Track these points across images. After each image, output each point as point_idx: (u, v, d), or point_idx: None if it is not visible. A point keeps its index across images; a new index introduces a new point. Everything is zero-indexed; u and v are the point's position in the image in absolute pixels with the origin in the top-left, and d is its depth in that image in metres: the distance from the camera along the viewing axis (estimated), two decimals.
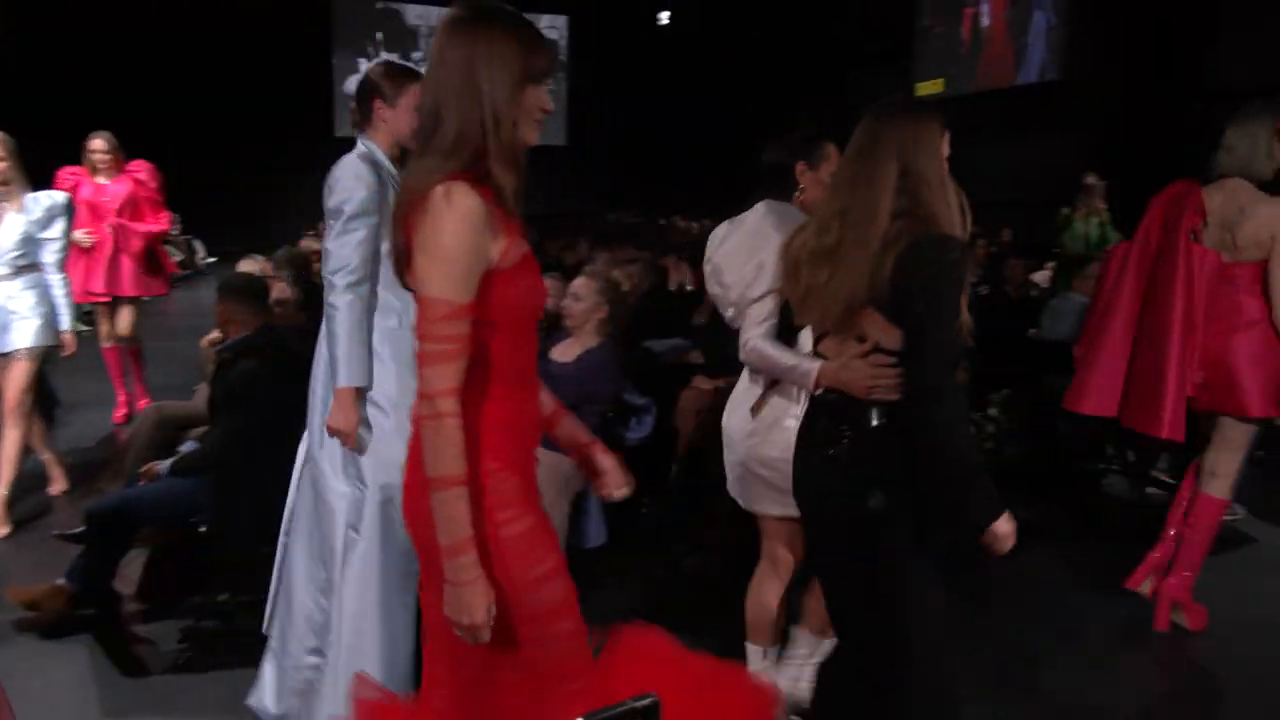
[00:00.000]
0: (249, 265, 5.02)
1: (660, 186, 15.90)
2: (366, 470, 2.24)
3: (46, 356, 3.89)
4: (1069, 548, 3.87)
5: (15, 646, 2.85)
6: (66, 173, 5.05)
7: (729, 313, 2.39)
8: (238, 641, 2.93)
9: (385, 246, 2.21)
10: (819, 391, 1.89)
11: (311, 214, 12.56)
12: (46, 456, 4.21)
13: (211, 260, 14.56)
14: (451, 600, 1.36)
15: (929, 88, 14.48)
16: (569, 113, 18.77)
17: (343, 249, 2.20)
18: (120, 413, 5.40)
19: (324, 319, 2.25)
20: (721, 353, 4.60)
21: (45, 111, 10.82)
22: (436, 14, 18.27)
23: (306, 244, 6.89)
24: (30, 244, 3.80)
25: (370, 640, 2.24)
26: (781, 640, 2.49)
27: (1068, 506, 4.32)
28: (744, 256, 2.26)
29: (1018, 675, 2.81)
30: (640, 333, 4.59)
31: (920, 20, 14.60)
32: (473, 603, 1.34)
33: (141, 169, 5.31)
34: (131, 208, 5.18)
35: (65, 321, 3.93)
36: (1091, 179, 6.99)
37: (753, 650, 2.44)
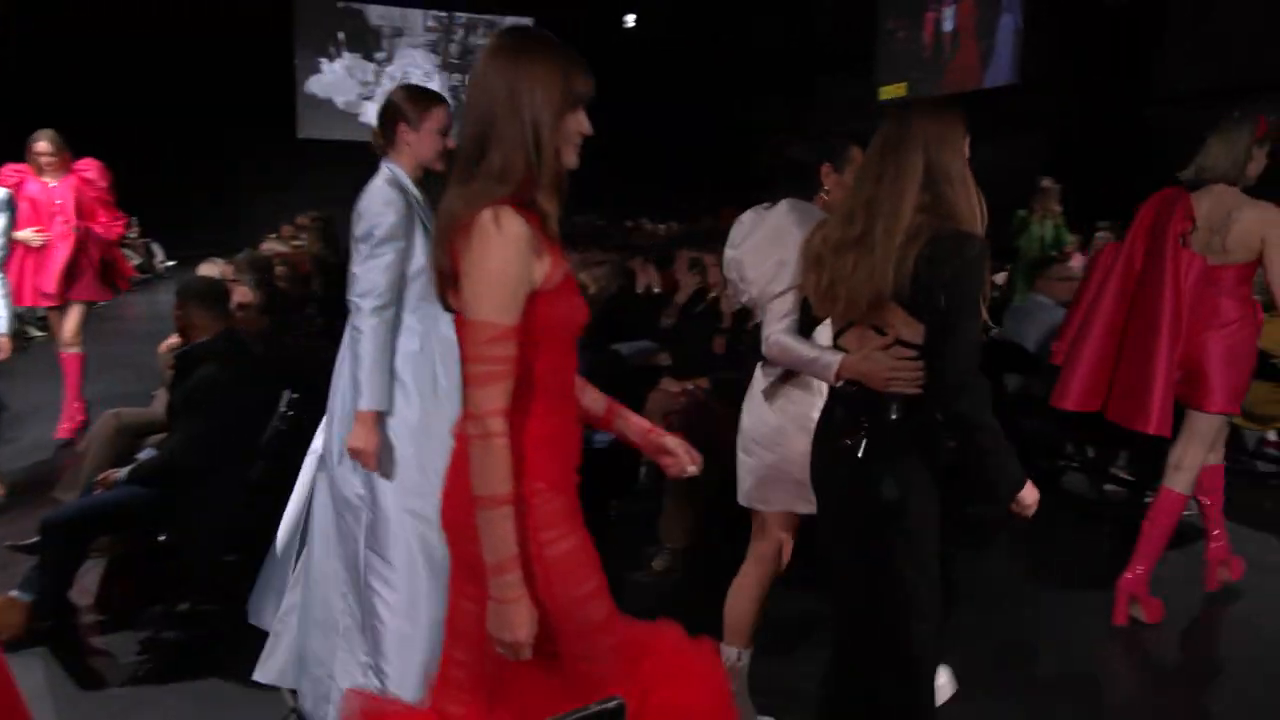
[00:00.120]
0: (209, 269, 4.93)
1: (627, 189, 15.93)
2: (385, 495, 2.27)
3: None
4: (1029, 543, 3.93)
5: None
6: (10, 169, 4.92)
7: (743, 299, 2.46)
8: (199, 652, 2.88)
9: (412, 269, 2.28)
10: (839, 383, 1.93)
11: (274, 216, 12.43)
12: None
13: (170, 264, 14.29)
14: (495, 617, 1.38)
15: (892, 91, 14.66)
16: None
17: (370, 273, 2.24)
18: (76, 420, 5.28)
19: (348, 340, 2.30)
20: (689, 354, 4.63)
21: None
22: (399, 14, 18.15)
23: (269, 247, 6.79)
24: None
25: (418, 657, 2.25)
26: (754, 643, 2.51)
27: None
28: (766, 253, 2.30)
29: (981, 668, 2.85)
30: (608, 335, 4.59)
31: (883, 24, 14.78)
32: (516, 620, 1.37)
33: (90, 168, 5.18)
34: (82, 208, 5.05)
35: (1, 324, 3.83)
36: (1047, 182, 7.13)
37: (727, 651, 2.45)
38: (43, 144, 4.96)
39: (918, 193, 1.79)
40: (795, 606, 2.67)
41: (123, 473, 3.00)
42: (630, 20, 17.76)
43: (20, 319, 6.58)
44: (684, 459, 1.71)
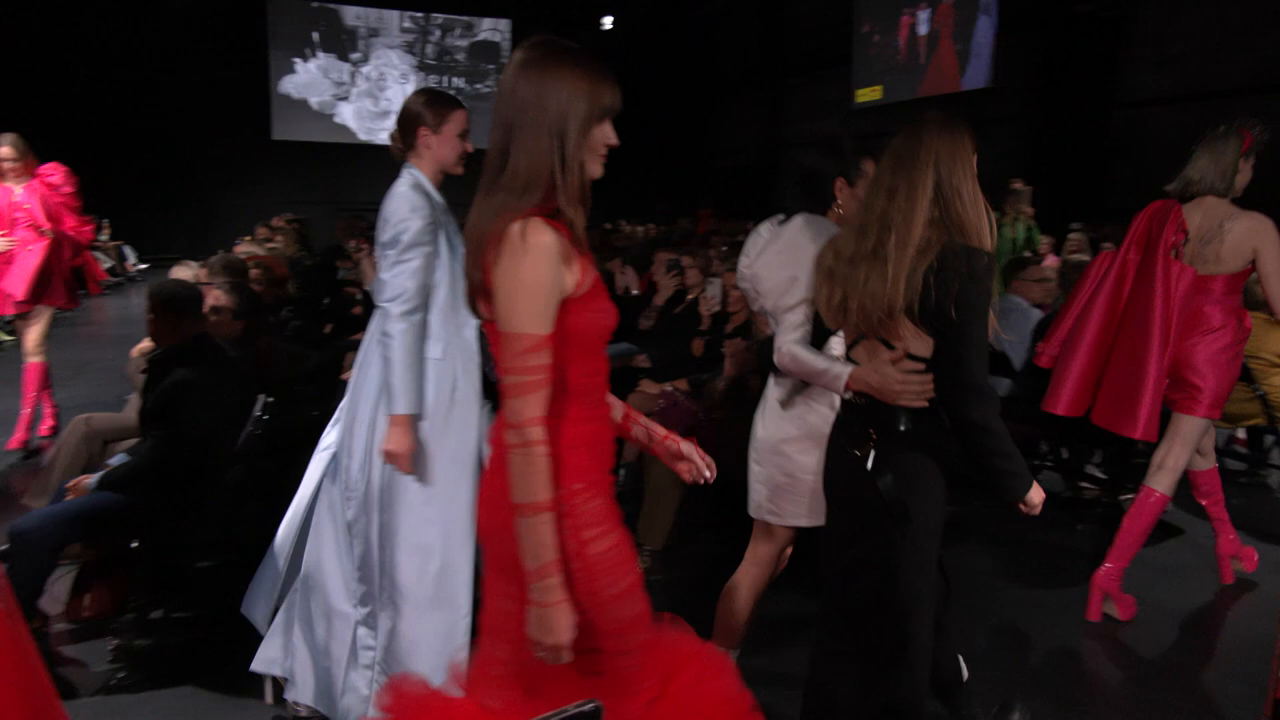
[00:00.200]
0: (182, 272, 4.88)
1: (604, 191, 15.91)
2: (401, 494, 2.31)
3: None
4: (1003, 542, 3.98)
5: None
6: None
7: (756, 309, 2.52)
8: (173, 660, 2.84)
9: (435, 275, 2.32)
10: (849, 395, 1.98)
11: (248, 218, 12.32)
12: None
13: (142, 267, 14.11)
14: (536, 621, 1.41)
15: (867, 94, 14.77)
16: None
17: (398, 278, 2.27)
18: (46, 425, 5.20)
19: (376, 344, 2.33)
20: (668, 356, 4.64)
21: None
22: (375, 15, 18.04)
23: (243, 249, 6.72)
24: None
25: (428, 656, 2.31)
26: (741, 646, 2.53)
27: (1002, 502, 4.42)
28: (779, 267, 2.34)
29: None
30: None
31: (858, 28, 14.89)
32: (557, 624, 1.40)
33: (55, 172, 5.10)
34: (48, 214, 4.96)
35: None
36: (1019, 184, 7.22)
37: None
38: (5, 149, 4.87)
39: (928, 207, 1.84)
40: (780, 607, 2.68)
41: (94, 479, 2.96)
42: (608, 22, 17.77)
43: None
44: (699, 465, 1.76)
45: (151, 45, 15.37)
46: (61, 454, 3.61)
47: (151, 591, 3.04)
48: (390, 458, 2.26)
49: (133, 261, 14.06)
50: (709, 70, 17.63)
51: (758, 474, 2.45)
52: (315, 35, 17.70)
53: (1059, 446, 4.64)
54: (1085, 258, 6.56)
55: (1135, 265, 3.09)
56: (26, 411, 5.02)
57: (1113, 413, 3.06)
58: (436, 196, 2.38)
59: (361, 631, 2.41)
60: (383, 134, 18.49)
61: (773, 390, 2.43)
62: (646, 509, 3.60)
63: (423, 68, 18.57)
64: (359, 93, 18.14)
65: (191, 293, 3.16)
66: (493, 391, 1.92)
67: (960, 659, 2.50)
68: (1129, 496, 4.40)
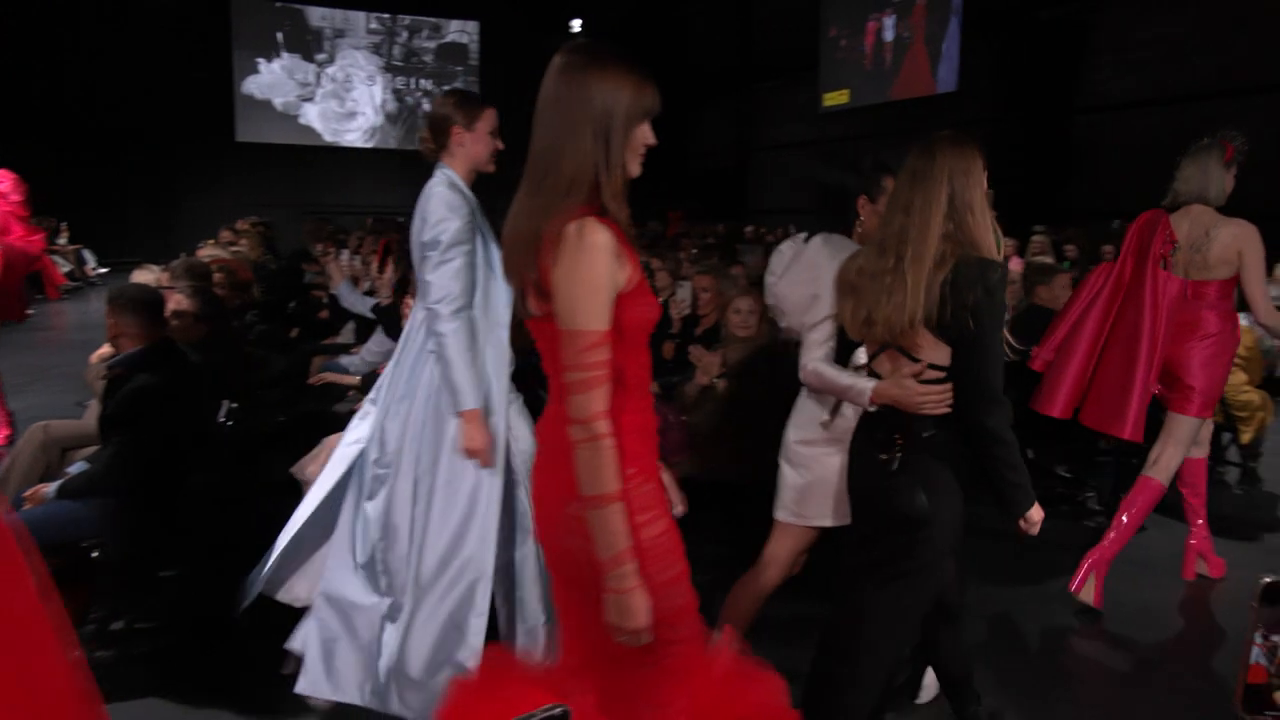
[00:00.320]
0: (144, 276, 4.79)
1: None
2: (435, 483, 2.40)
3: None
4: (970, 539, 4.02)
5: None
6: None
7: (782, 324, 2.64)
8: (134, 672, 2.79)
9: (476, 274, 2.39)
10: (874, 408, 2.07)
11: (211, 221, 12.13)
12: None
13: (102, 271, 13.83)
14: (615, 608, 1.45)
15: (835, 98, 14.91)
16: None
17: (443, 278, 2.31)
18: (1, 433, 5.07)
19: (433, 346, 2.38)
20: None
21: None
22: (341, 16, 17.87)
23: (206, 253, 6.61)
24: None
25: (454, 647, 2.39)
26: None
27: (967, 501, 4.48)
28: (799, 287, 2.43)
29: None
30: None
31: (825, 33, 15.02)
32: (636, 608, 1.44)
33: (3, 180, 4.96)
34: None
35: None
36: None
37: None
38: None
39: (942, 222, 1.93)
40: (787, 606, 2.71)
41: (52, 488, 2.89)
42: (576, 25, 17.77)
43: None
44: (674, 498, 1.78)
45: (111, 43, 15.10)
46: (18, 463, 3.52)
47: (113, 602, 2.97)
48: (471, 454, 2.33)
49: (92, 265, 13.78)
50: (679, 74, 17.68)
51: (788, 476, 2.51)
52: (279, 35, 17.49)
53: (1025, 447, 4.71)
54: (1048, 259, 6.67)
55: (1129, 275, 3.26)
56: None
57: (1102, 414, 3.20)
58: (470, 195, 2.42)
59: (383, 622, 2.45)
60: (349, 135, 18.38)
61: (804, 397, 2.50)
62: None
63: (390, 69, 18.43)
64: (324, 94, 17.96)
65: (152, 297, 3.11)
66: (530, 387, 1.95)
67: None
68: (1090, 495, 4.49)
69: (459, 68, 18.77)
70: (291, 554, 2.65)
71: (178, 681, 2.71)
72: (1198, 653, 3.16)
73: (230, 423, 3.17)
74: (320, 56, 17.92)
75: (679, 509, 1.80)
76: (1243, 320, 3.53)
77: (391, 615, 2.45)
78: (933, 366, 1.95)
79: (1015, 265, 6.39)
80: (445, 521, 2.39)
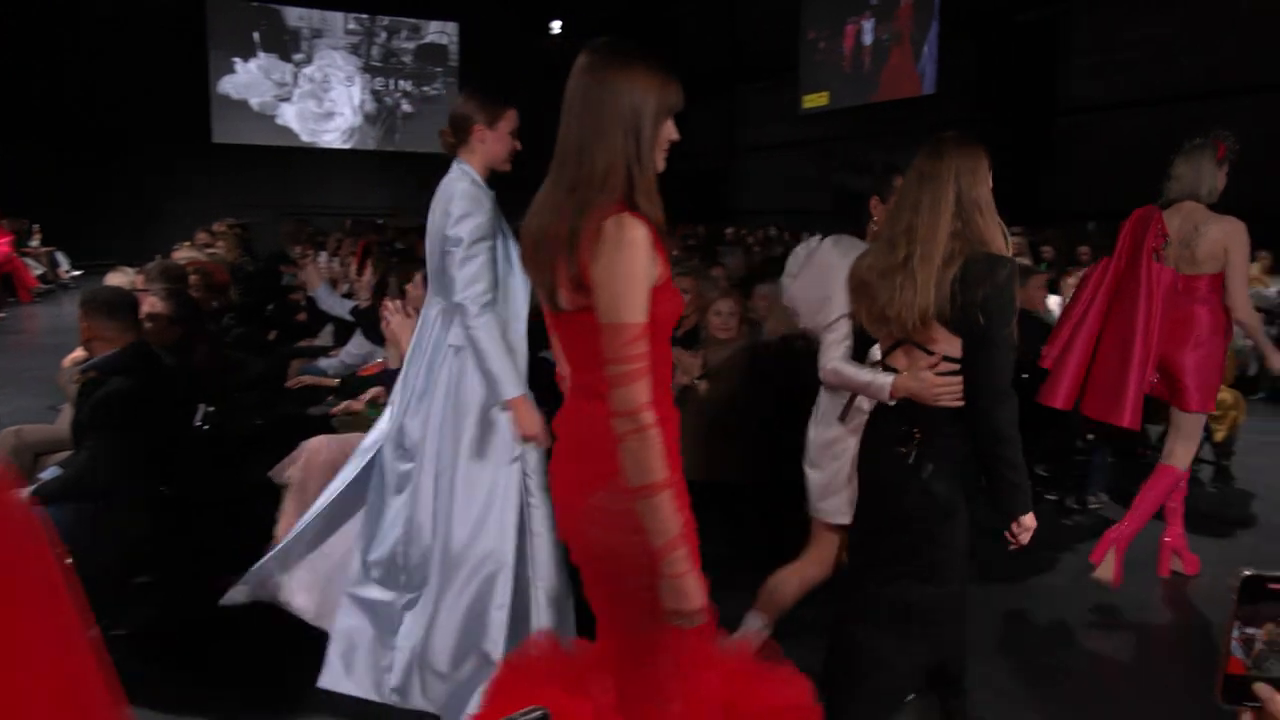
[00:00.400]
0: (117, 278, 4.73)
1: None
2: (461, 475, 2.45)
3: None
4: None
5: None
6: None
7: (800, 325, 2.68)
8: (108, 680, 2.75)
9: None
10: (893, 402, 2.11)
11: (187, 223, 12.01)
12: None
13: (76, 274, 13.64)
14: (671, 592, 1.47)
15: (814, 100, 14.98)
16: None
17: (470, 272, 2.35)
18: None
19: (454, 340, 2.43)
20: None
21: None
22: (319, 16, 17.75)
23: (182, 255, 6.53)
24: None
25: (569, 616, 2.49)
26: (774, 626, 2.66)
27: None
28: (811, 289, 2.49)
29: None
30: (535, 343, 4.56)
31: (804, 35, 15.08)
32: (691, 590, 1.47)
33: None
34: None
35: None
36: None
37: (754, 619, 2.63)
38: None
39: (950, 220, 1.97)
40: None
41: (24, 493, 2.85)
42: (556, 27, 17.75)
43: None
44: None
45: (84, 42, 14.91)
46: None
47: (86, 609, 2.93)
48: (529, 440, 2.35)
49: (65, 268, 13.58)
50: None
51: (811, 475, 2.57)
52: (256, 35, 17.35)
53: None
54: (1025, 261, 6.73)
55: (1123, 269, 3.35)
56: None
57: (1102, 405, 3.31)
58: (490, 191, 2.45)
59: (404, 616, 2.48)
60: (327, 136, 18.25)
61: (824, 398, 2.56)
62: None
63: (368, 70, 18.32)
64: (302, 94, 17.82)
65: (126, 300, 3.07)
66: (549, 380, 2.01)
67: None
68: (1055, 496, 4.53)
69: (438, 69, 18.69)
70: (293, 550, 2.66)
71: (152, 689, 2.68)
72: (1177, 646, 3.21)
73: (206, 426, 3.14)
74: (298, 56, 17.78)
75: None
76: None
77: (409, 608, 2.49)
78: (948, 359, 2.00)
79: None
80: (465, 515, 2.43)
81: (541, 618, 2.46)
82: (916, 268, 1.96)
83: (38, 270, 12.23)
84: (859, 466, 2.22)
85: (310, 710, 2.54)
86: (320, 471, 3.06)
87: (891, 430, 2.09)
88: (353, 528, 2.66)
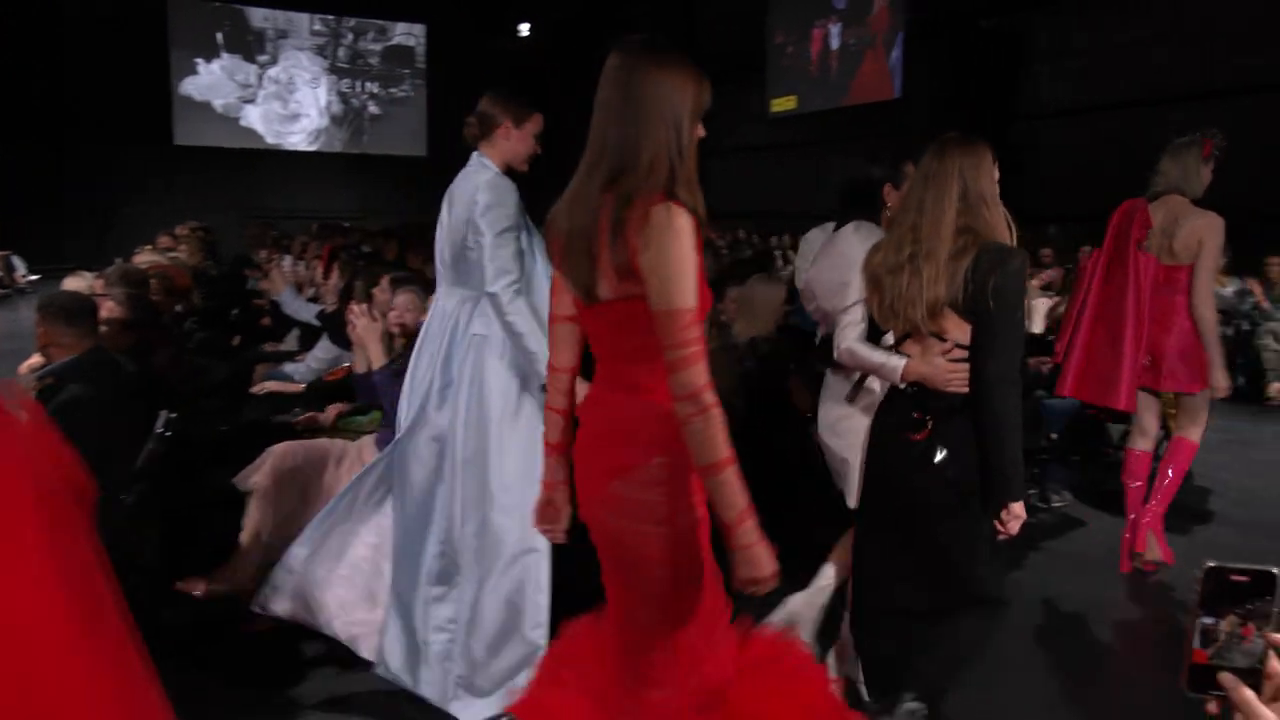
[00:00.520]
0: (75, 282, 4.63)
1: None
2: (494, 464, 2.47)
3: None
4: None
5: None
6: None
7: (810, 308, 2.78)
8: None
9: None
10: (905, 385, 2.17)
11: (148, 226, 11.81)
12: None
13: (33, 278, 13.35)
14: (745, 561, 1.51)
15: (783, 103, 15.07)
16: (429, 123, 18.41)
17: (500, 261, 2.39)
18: None
19: (478, 329, 2.48)
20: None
21: None
22: (284, 17, 17.54)
23: (143, 259, 6.41)
24: None
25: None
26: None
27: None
28: (832, 274, 2.56)
29: None
30: None
31: (771, 39, 15.17)
32: (764, 558, 1.51)
33: None
34: None
35: None
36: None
37: (831, 569, 2.70)
38: None
39: (955, 216, 2.05)
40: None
41: None
42: (524, 29, 17.70)
43: None
44: (559, 527, 1.84)
45: (41, 42, 14.60)
46: None
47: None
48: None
49: (22, 273, 13.29)
50: None
51: (828, 453, 2.67)
52: (219, 36, 17.10)
53: None
54: None
55: (1112, 258, 3.49)
56: None
57: (1098, 389, 3.46)
58: (511, 183, 2.50)
59: (440, 606, 2.51)
60: (293, 138, 18.04)
61: (831, 379, 2.66)
62: None
63: (335, 71, 18.14)
64: (266, 95, 17.60)
65: (85, 305, 3.01)
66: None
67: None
68: (1033, 491, 4.60)
69: (406, 70, 18.55)
70: (321, 562, 2.66)
71: None
72: (1140, 638, 3.26)
73: (168, 433, 3.08)
74: (262, 58, 17.56)
75: (558, 538, 1.87)
76: None
77: (440, 601, 2.52)
78: (960, 346, 2.06)
79: None
80: (498, 503, 2.44)
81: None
82: (921, 264, 2.04)
83: None
84: (869, 452, 2.27)
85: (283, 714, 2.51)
86: (288, 477, 3.02)
87: (903, 416, 2.15)
88: (371, 536, 2.67)
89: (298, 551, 2.63)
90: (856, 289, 2.37)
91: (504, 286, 2.37)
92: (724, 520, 1.51)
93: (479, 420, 2.46)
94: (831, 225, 2.68)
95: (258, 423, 3.88)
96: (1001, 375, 1.99)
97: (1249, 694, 0.80)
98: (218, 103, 17.13)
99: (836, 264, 2.57)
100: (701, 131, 1.61)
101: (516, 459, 2.45)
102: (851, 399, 2.57)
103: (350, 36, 18.21)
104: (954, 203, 2.05)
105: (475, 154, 2.52)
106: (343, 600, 2.62)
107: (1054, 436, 4.42)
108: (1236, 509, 4.51)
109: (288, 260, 7.06)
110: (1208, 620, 0.82)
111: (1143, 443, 3.74)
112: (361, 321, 3.27)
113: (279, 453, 3.07)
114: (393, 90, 18.51)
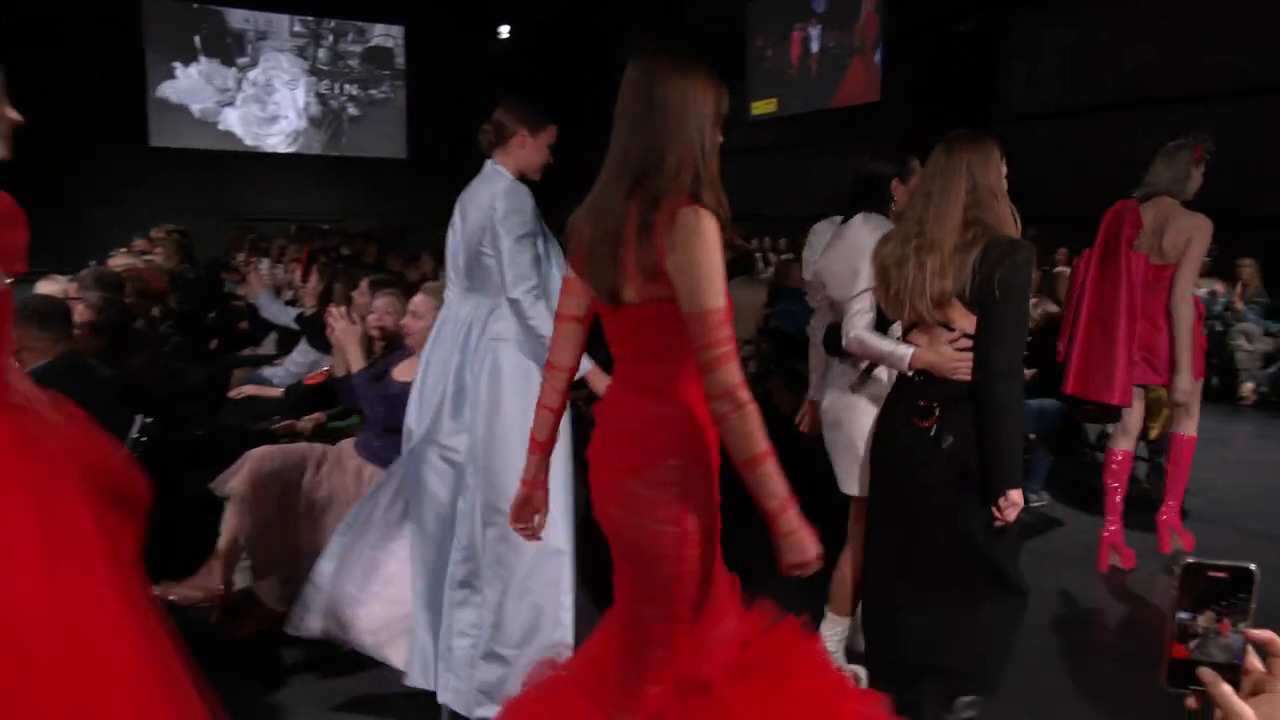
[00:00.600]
0: (48, 286, 4.56)
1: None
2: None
3: None
4: None
5: None
6: None
7: (817, 298, 2.88)
8: None
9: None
10: (912, 374, 2.22)
11: (124, 230, 11.67)
12: None
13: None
14: (790, 547, 1.56)
15: (763, 106, 15.13)
16: (409, 125, 18.33)
17: (519, 266, 2.44)
18: None
19: (495, 334, 2.51)
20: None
21: None
22: (264, 18, 17.39)
23: (118, 262, 6.33)
24: None
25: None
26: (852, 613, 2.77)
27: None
28: (842, 264, 2.63)
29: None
30: None
31: (751, 42, 15.23)
32: (807, 542, 1.56)
33: None
34: None
35: None
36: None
37: (834, 619, 2.74)
38: None
39: (963, 211, 2.11)
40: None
41: None
42: (504, 31, 17.66)
43: None
44: (534, 526, 1.88)
45: (12, 42, 14.40)
46: None
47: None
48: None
49: None
50: (607, 79, 17.75)
51: (827, 443, 2.72)
52: (197, 39, 16.93)
53: None
54: None
55: (1104, 256, 3.57)
56: None
57: (1093, 384, 3.53)
58: (527, 189, 2.55)
59: (463, 611, 2.52)
60: (271, 139, 17.89)
61: (837, 368, 2.73)
62: None
63: (315, 72, 18.02)
64: (245, 97, 17.45)
65: (58, 309, 2.97)
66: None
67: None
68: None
69: (385, 71, 18.46)
70: (350, 577, 2.64)
71: None
72: (1119, 636, 3.30)
73: (143, 438, 3.04)
74: (242, 60, 17.40)
75: (535, 539, 1.91)
76: None
77: (463, 605, 2.53)
78: (967, 335, 2.12)
79: None
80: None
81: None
82: (926, 257, 2.11)
83: None
84: (878, 441, 2.32)
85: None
86: (265, 482, 2.99)
87: (911, 403, 2.20)
88: (402, 550, 2.66)
89: (324, 567, 2.62)
90: (866, 278, 2.43)
91: (524, 291, 2.42)
92: (767, 509, 1.55)
93: (497, 425, 2.48)
94: (839, 219, 2.79)
95: (235, 427, 3.84)
96: (1004, 364, 2.05)
97: (1227, 689, 0.81)
98: (195, 108, 16.95)
99: (846, 253, 2.64)
100: (720, 138, 1.65)
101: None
102: (856, 388, 2.63)
103: (331, 38, 18.10)
104: (961, 197, 2.11)
105: (489, 161, 2.56)
106: (375, 616, 2.61)
107: (1031, 436, 4.46)
108: (1210, 507, 4.57)
109: (265, 263, 7.00)
110: (1186, 616, 0.83)
111: (1124, 442, 3.79)
112: (340, 324, 3.25)
113: (257, 457, 3.03)
114: (372, 92, 18.40)
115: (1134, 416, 3.77)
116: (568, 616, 2.45)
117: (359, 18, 18.03)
